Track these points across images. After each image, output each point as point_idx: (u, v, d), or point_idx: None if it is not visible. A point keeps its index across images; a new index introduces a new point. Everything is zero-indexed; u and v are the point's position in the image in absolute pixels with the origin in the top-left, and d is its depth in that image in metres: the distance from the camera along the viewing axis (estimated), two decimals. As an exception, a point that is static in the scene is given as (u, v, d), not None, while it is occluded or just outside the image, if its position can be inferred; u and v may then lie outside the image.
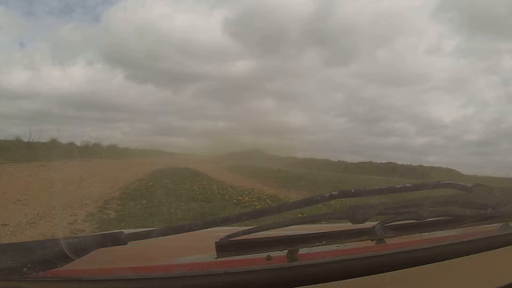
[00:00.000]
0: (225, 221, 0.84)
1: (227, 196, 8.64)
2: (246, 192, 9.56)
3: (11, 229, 4.77)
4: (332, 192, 0.88)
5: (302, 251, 0.85)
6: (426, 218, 0.91)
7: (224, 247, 0.79)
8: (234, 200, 8.07)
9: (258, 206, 7.23)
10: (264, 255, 0.85)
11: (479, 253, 0.88)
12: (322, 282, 0.74)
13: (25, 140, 15.95)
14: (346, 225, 0.89)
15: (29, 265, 0.74)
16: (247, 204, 7.71)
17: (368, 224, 0.89)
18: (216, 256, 0.79)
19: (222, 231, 0.85)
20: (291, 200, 1.03)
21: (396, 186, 0.95)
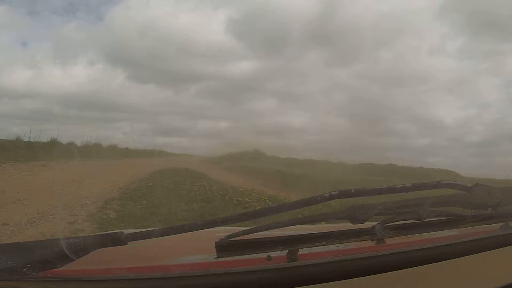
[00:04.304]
0: (225, 221, 0.84)
1: (227, 197, 8.63)
2: (246, 193, 9.54)
3: (11, 228, 4.78)
4: (332, 192, 0.88)
5: (302, 251, 0.85)
6: (426, 218, 0.91)
7: (224, 247, 0.79)
8: (234, 201, 8.06)
9: (258, 207, 7.23)
10: (264, 255, 0.85)
11: (479, 253, 0.88)
12: (322, 282, 0.74)
13: (25, 139, 15.90)
14: (346, 225, 0.89)
15: (29, 265, 0.74)
16: (247, 205, 7.70)
17: (368, 224, 0.89)
18: (216, 256, 0.79)
19: (222, 231, 0.85)
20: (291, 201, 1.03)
21: (396, 186, 0.95)
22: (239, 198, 8.42)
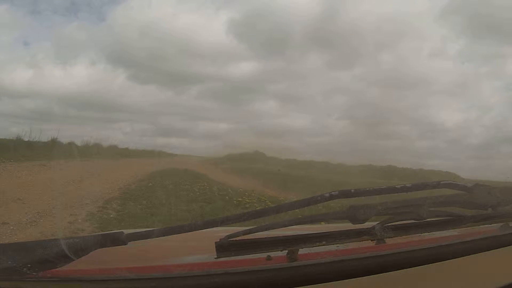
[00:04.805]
0: (225, 221, 0.84)
1: (227, 197, 8.62)
2: (246, 193, 9.53)
3: (12, 227, 4.78)
4: (332, 192, 0.88)
5: (302, 251, 0.85)
6: (426, 218, 0.91)
7: (224, 247, 0.79)
8: (234, 201, 8.05)
9: (259, 208, 7.22)
10: (264, 255, 0.85)
11: (479, 253, 0.88)
12: (322, 282, 0.74)
13: (26, 139, 15.85)
14: (346, 225, 0.89)
15: (29, 265, 0.74)
16: (247, 206, 7.69)
17: (368, 224, 0.89)
18: (216, 256, 0.79)
19: (222, 231, 0.85)
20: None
21: (396, 186, 0.95)
22: (239, 199, 8.41)
